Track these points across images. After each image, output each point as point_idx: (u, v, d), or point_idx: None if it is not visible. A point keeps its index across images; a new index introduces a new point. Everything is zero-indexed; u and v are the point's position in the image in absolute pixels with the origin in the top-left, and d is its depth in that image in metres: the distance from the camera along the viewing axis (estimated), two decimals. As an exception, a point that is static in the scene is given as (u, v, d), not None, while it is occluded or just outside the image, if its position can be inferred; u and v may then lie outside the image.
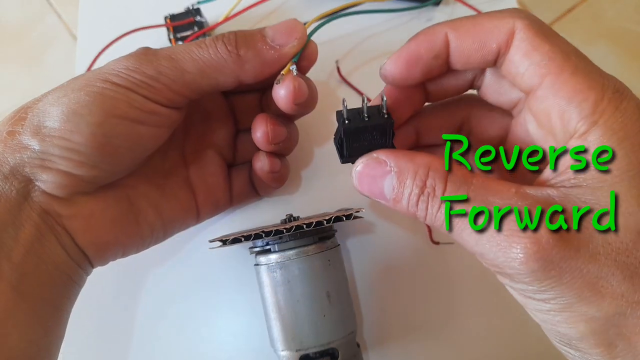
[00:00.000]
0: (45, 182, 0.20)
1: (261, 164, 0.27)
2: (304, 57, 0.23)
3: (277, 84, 0.23)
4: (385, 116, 0.19)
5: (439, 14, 0.34)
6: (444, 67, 0.20)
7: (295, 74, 0.23)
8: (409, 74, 0.20)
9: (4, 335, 0.19)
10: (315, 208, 0.31)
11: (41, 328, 0.20)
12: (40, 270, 0.20)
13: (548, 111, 0.17)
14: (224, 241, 0.24)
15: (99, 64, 0.32)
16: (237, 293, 0.30)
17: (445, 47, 0.19)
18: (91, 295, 0.30)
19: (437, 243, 0.30)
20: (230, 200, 0.29)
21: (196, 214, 0.27)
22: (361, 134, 0.19)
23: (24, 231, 0.20)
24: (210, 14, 0.34)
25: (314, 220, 0.23)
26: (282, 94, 0.23)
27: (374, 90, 0.27)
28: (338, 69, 0.33)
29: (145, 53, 0.22)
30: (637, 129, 0.15)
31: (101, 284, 0.30)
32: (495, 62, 0.19)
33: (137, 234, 0.24)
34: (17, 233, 0.20)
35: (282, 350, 0.24)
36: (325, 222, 0.23)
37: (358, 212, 0.24)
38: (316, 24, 0.23)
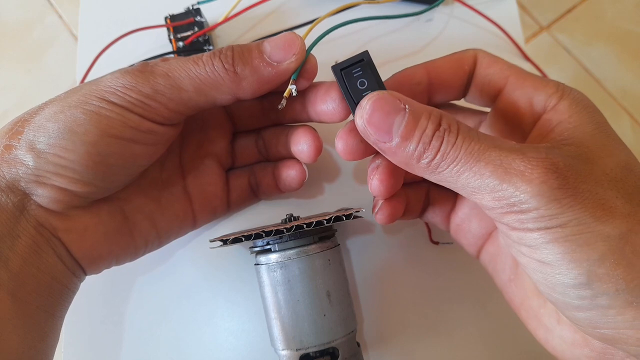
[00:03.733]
0: (41, 196, 0.21)
1: (296, 173, 0.27)
2: (303, 73, 0.23)
3: (280, 107, 0.23)
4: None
5: (439, 14, 0.34)
6: (426, 93, 0.24)
7: (294, 94, 0.23)
8: (400, 87, 0.23)
9: (4, 340, 0.19)
10: (315, 208, 0.31)
11: (38, 333, 0.21)
12: (38, 280, 0.21)
13: (515, 102, 0.22)
14: (225, 241, 0.24)
15: (100, 64, 0.32)
16: (238, 292, 0.30)
17: (427, 74, 0.23)
18: (91, 296, 0.30)
19: (437, 243, 0.30)
20: (228, 206, 0.29)
21: (192, 223, 0.27)
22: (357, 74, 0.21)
23: (21, 242, 0.20)
24: (211, 14, 0.34)
25: (314, 220, 0.23)
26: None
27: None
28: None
29: (142, 70, 0.22)
30: (591, 104, 0.20)
31: (101, 285, 0.30)
32: (468, 85, 0.24)
33: (131, 245, 0.25)
34: (14, 244, 0.20)
35: (283, 350, 0.24)
36: (325, 221, 0.23)
37: (358, 212, 0.24)
38: (316, 32, 0.23)
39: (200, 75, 0.22)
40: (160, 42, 0.33)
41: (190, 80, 0.21)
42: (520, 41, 0.33)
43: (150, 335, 0.30)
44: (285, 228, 0.23)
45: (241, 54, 0.22)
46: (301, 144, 0.25)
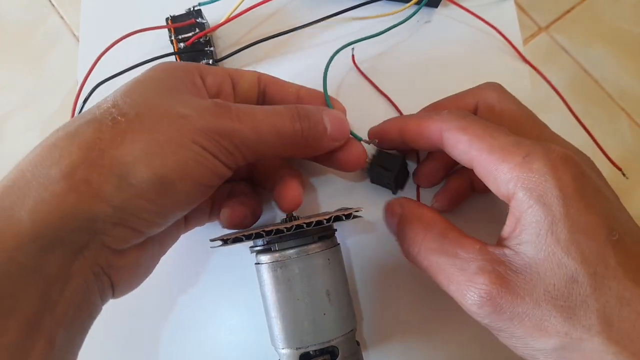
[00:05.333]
0: (111, 237, 0.19)
1: (224, 223, 0.27)
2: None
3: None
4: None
5: (437, 15, 0.34)
6: (402, 144, 0.26)
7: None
8: (378, 137, 0.28)
9: None
10: (315, 208, 0.31)
11: None
12: (76, 322, 0.19)
13: (486, 181, 0.22)
14: (225, 240, 0.24)
15: (101, 65, 0.32)
16: (238, 292, 0.30)
17: (400, 135, 0.26)
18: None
19: (436, 242, 0.30)
20: (209, 216, 0.29)
21: (183, 230, 0.28)
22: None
23: (72, 284, 0.18)
24: (212, 15, 0.34)
25: (314, 220, 0.23)
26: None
27: (387, 84, 0.27)
28: (353, 57, 0.33)
29: (230, 114, 0.21)
30: (550, 186, 0.18)
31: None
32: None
33: (154, 267, 0.25)
34: (65, 286, 0.18)
35: (283, 349, 0.24)
36: (325, 221, 0.23)
37: (358, 211, 0.25)
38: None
39: (282, 136, 0.23)
40: (161, 43, 0.34)
41: (273, 138, 0.22)
42: (518, 43, 0.33)
43: (150, 334, 0.30)
44: (285, 227, 0.23)
45: (316, 124, 0.24)
46: (282, 200, 0.26)
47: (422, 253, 0.23)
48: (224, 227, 0.27)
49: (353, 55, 0.33)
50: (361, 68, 0.33)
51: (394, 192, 0.31)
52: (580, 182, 0.19)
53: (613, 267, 0.18)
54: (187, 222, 0.27)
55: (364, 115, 0.30)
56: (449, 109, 0.24)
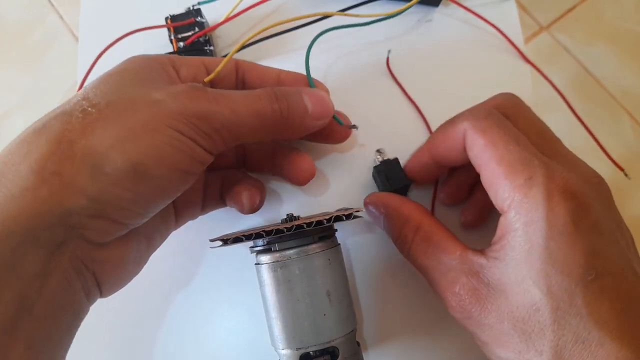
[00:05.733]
0: (91, 230, 0.18)
1: (244, 206, 0.27)
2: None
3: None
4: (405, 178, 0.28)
5: (439, 15, 0.34)
6: (439, 168, 0.27)
7: None
8: (416, 171, 0.28)
9: None
10: (315, 208, 0.31)
11: None
12: (58, 322, 0.19)
13: (488, 190, 0.22)
14: (225, 241, 0.24)
15: (100, 64, 0.32)
16: (238, 292, 0.30)
17: (431, 156, 0.26)
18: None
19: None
20: (202, 209, 0.28)
21: (174, 227, 0.27)
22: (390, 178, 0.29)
23: (51, 281, 0.18)
24: (211, 14, 0.34)
25: (314, 220, 0.23)
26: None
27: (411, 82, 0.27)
28: (388, 59, 0.33)
29: (206, 97, 0.21)
30: (539, 216, 0.19)
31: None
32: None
33: (144, 264, 0.24)
34: (44, 284, 0.17)
35: (283, 349, 0.24)
36: (325, 221, 0.23)
37: (358, 211, 0.24)
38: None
39: (262, 117, 0.22)
40: (160, 42, 0.34)
41: (253, 120, 0.22)
42: (520, 42, 0.33)
43: (150, 334, 0.30)
44: (285, 228, 0.23)
45: (295, 105, 0.23)
46: (296, 173, 0.27)
47: (410, 255, 0.24)
48: (244, 212, 0.27)
49: (388, 58, 0.33)
50: (362, 67, 0.33)
51: None
52: (573, 216, 0.19)
53: (578, 306, 0.18)
54: (178, 216, 0.27)
55: (378, 114, 0.31)
56: (470, 110, 0.24)
